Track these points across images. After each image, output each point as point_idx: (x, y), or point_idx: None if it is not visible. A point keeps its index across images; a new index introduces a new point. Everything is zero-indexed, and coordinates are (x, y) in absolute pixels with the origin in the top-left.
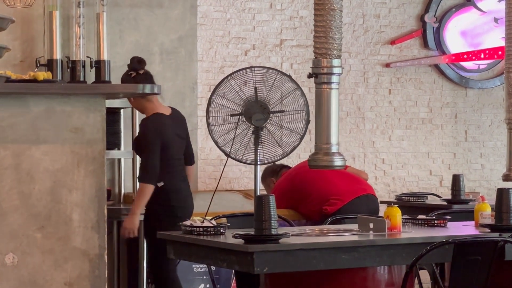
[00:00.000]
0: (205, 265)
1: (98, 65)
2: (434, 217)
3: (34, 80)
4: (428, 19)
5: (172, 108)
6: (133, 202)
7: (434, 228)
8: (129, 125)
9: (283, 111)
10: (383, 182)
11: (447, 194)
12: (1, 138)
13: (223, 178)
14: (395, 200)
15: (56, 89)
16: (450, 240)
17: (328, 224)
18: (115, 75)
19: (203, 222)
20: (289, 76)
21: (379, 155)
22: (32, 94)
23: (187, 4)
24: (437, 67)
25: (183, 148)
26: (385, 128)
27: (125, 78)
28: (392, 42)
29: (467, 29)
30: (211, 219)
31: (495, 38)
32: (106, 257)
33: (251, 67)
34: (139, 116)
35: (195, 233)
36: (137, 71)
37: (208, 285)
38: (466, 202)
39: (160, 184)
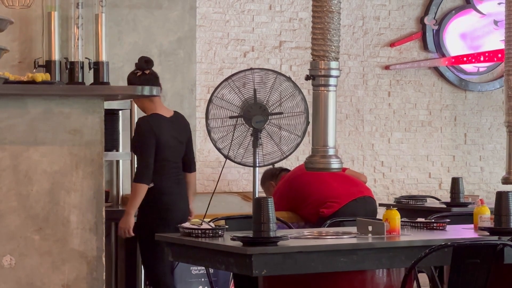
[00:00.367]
0: (203, 268)
1: (97, 66)
2: (433, 220)
3: (33, 82)
4: (428, 21)
5: (176, 112)
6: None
7: (433, 231)
8: (128, 126)
9: (281, 113)
10: (382, 184)
11: (446, 197)
12: None
13: (221, 180)
14: (394, 203)
15: (55, 90)
16: (449, 243)
17: (327, 227)
18: (114, 76)
19: (201, 224)
20: (289, 78)
21: (378, 158)
22: (30, 96)
23: (186, 5)
24: (436, 69)
25: (180, 153)
26: (384, 130)
27: (131, 77)
28: (392, 44)
29: (467, 31)
30: (210, 221)
31: (495, 41)
32: (104, 259)
33: (251, 69)
34: (137, 117)
35: (194, 235)
36: (143, 70)
37: None
38: (465, 205)
39: (151, 185)
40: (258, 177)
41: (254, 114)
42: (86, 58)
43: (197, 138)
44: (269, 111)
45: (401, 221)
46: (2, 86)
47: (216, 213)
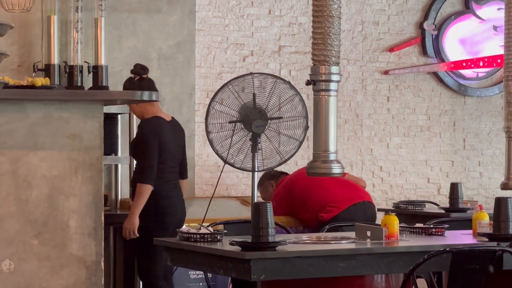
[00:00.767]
0: (201, 272)
1: (96, 70)
2: (431, 226)
3: (32, 86)
4: (427, 26)
5: (173, 118)
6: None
7: (431, 237)
8: (126, 130)
9: (281, 118)
10: (381, 189)
11: (445, 202)
12: None
13: (220, 185)
14: (393, 208)
15: (54, 95)
16: (447, 249)
17: (326, 232)
18: (113, 80)
19: (200, 228)
20: (288, 82)
21: (377, 163)
22: (30, 100)
23: (186, 9)
24: (435, 74)
25: (178, 157)
26: (383, 135)
27: (127, 83)
28: (391, 49)
29: (466, 37)
30: (208, 226)
31: (494, 46)
32: (103, 264)
33: (251, 73)
34: (136, 122)
35: (192, 240)
36: (140, 75)
37: None
38: (464, 210)
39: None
40: (257, 181)
41: (253, 119)
42: (85, 62)
43: (196, 142)
44: (268, 115)
45: (400, 226)
46: (2, 91)
47: (214, 217)
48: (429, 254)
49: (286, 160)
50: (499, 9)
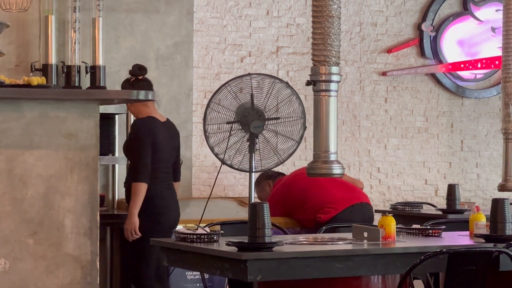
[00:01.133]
0: (198, 273)
1: (94, 70)
2: (428, 227)
3: (28, 85)
4: (425, 28)
5: (168, 119)
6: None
7: (428, 238)
8: (124, 130)
9: (278, 118)
10: (378, 191)
11: (442, 204)
12: None
13: (217, 185)
14: (390, 209)
15: (50, 94)
16: (444, 250)
17: (323, 233)
18: (111, 81)
19: (196, 229)
20: (286, 83)
21: (375, 164)
22: (26, 99)
23: (184, 10)
24: (433, 76)
25: (172, 158)
26: (381, 136)
27: (124, 84)
28: (389, 50)
29: (464, 38)
30: (205, 226)
31: (492, 48)
32: (98, 263)
33: (249, 74)
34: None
35: (189, 240)
36: (137, 76)
37: None
38: (461, 212)
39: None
40: (254, 182)
41: (251, 120)
42: (83, 62)
43: (193, 143)
44: (266, 116)
45: (397, 227)
46: None
47: (211, 218)
48: (426, 255)
49: (283, 161)
50: (497, 10)
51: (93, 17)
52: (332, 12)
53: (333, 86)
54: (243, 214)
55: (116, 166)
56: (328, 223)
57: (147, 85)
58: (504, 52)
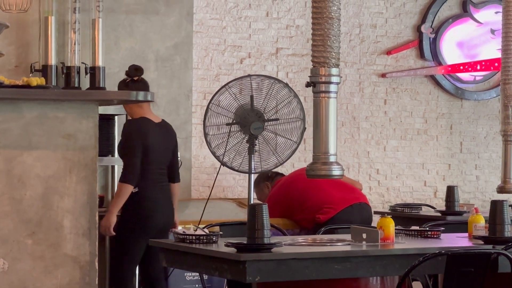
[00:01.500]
0: (197, 274)
1: (93, 71)
2: (427, 228)
3: (27, 86)
4: (424, 29)
5: (164, 120)
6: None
7: (427, 239)
8: None
9: (278, 119)
10: (377, 192)
11: (441, 206)
12: None
13: (216, 187)
14: (389, 211)
15: (49, 95)
16: (443, 251)
17: (321, 234)
18: (110, 82)
19: (195, 230)
20: (286, 84)
21: (374, 165)
22: (25, 100)
23: (183, 11)
24: (433, 78)
25: (166, 160)
26: (380, 138)
27: (120, 84)
28: (388, 52)
29: (464, 40)
30: (204, 227)
31: (492, 50)
32: (96, 264)
33: (249, 75)
34: None
35: (188, 241)
36: (133, 77)
37: None
38: (460, 213)
39: (135, 190)
40: (253, 184)
41: (251, 121)
42: (82, 63)
43: (192, 144)
44: (266, 117)
45: (396, 229)
46: None
47: (210, 219)
48: (425, 257)
49: (283, 162)
50: (496, 12)
51: (93, 18)
52: (332, 14)
53: (332, 87)
54: (242, 215)
55: (116, 167)
56: (327, 223)
57: (143, 86)
58: (503, 54)
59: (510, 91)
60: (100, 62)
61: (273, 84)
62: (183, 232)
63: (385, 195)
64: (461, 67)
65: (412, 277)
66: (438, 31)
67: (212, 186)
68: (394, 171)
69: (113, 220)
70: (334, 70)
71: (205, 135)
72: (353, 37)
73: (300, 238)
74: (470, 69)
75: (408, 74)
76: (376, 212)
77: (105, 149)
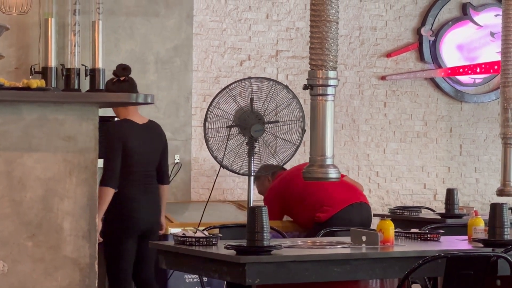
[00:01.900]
0: (197, 276)
1: (93, 73)
2: (427, 231)
3: (27, 88)
4: (424, 32)
5: (151, 121)
6: None
7: (427, 242)
8: None
9: (278, 122)
10: (377, 195)
11: (441, 208)
12: None
13: (216, 189)
14: (389, 213)
15: (49, 97)
16: (442, 254)
17: (321, 236)
18: None
19: (195, 232)
20: (286, 86)
21: (373, 168)
22: (25, 102)
23: (183, 13)
24: (432, 80)
25: (152, 161)
26: (380, 141)
27: (108, 84)
28: (388, 55)
29: (464, 43)
30: (204, 230)
31: (491, 53)
32: (96, 266)
33: (249, 77)
34: None
35: (187, 243)
36: (119, 77)
37: None
38: (459, 216)
39: (115, 190)
40: (253, 186)
41: (252, 124)
42: (82, 65)
43: (192, 146)
44: (266, 120)
45: (395, 231)
46: None
47: (210, 221)
48: (424, 259)
49: (283, 165)
50: (496, 15)
51: (93, 20)
52: (330, 17)
53: (330, 90)
54: (242, 217)
55: None
56: (327, 222)
57: (129, 87)
58: (503, 57)
59: (509, 94)
60: (100, 64)
61: (273, 87)
62: (183, 234)
63: (384, 197)
64: (461, 70)
65: (412, 279)
66: (438, 33)
67: (211, 188)
68: (394, 173)
69: (99, 225)
70: (331, 73)
71: (206, 137)
72: (353, 40)
73: (300, 241)
74: (469, 71)
75: (408, 77)
76: (375, 215)
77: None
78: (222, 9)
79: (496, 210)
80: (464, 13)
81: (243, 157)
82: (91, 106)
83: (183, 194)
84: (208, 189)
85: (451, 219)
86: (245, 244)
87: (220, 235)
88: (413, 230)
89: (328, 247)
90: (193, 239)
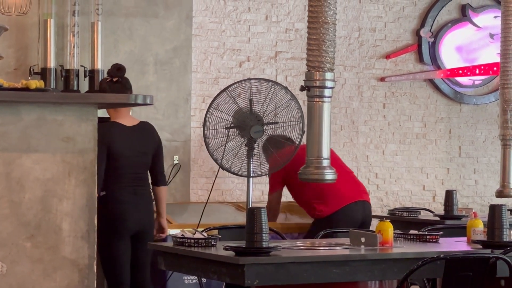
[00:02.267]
0: (196, 277)
1: (92, 74)
2: (426, 233)
3: (26, 89)
4: (423, 33)
5: (142, 122)
6: None
7: (426, 244)
8: None
9: (277, 123)
10: (376, 196)
11: (440, 210)
12: None
13: (215, 190)
14: (388, 215)
15: (48, 98)
16: (441, 255)
17: (320, 238)
18: None
19: (194, 233)
20: (285, 87)
21: (373, 169)
22: (24, 103)
23: (183, 14)
24: (432, 82)
25: (142, 163)
26: (379, 142)
27: (102, 83)
28: (387, 56)
29: (463, 44)
30: (203, 231)
31: (491, 54)
32: (95, 267)
33: (248, 79)
34: None
35: (186, 244)
36: (112, 77)
37: None
38: (459, 218)
39: (102, 193)
40: (252, 187)
41: (251, 125)
42: (81, 66)
43: (191, 147)
44: (265, 121)
45: (394, 233)
46: None
47: (209, 222)
48: (423, 261)
49: (282, 165)
50: (495, 17)
51: (92, 21)
52: (328, 19)
53: (327, 92)
54: (241, 219)
55: None
56: (329, 218)
57: (121, 87)
58: (502, 59)
59: (509, 96)
60: (99, 65)
61: (272, 88)
62: (182, 235)
63: (383, 199)
64: (460, 71)
65: (411, 281)
66: (437, 35)
67: (210, 190)
68: (393, 175)
69: None
70: (328, 75)
71: (205, 139)
72: (352, 41)
73: (299, 242)
74: (469, 73)
75: (407, 78)
76: (375, 216)
77: None
78: (221, 10)
79: (495, 211)
80: (463, 15)
81: (243, 158)
82: (90, 107)
83: (182, 195)
84: (207, 190)
85: (450, 220)
86: (244, 245)
87: (219, 236)
88: (412, 232)
89: (327, 248)
90: (192, 240)
